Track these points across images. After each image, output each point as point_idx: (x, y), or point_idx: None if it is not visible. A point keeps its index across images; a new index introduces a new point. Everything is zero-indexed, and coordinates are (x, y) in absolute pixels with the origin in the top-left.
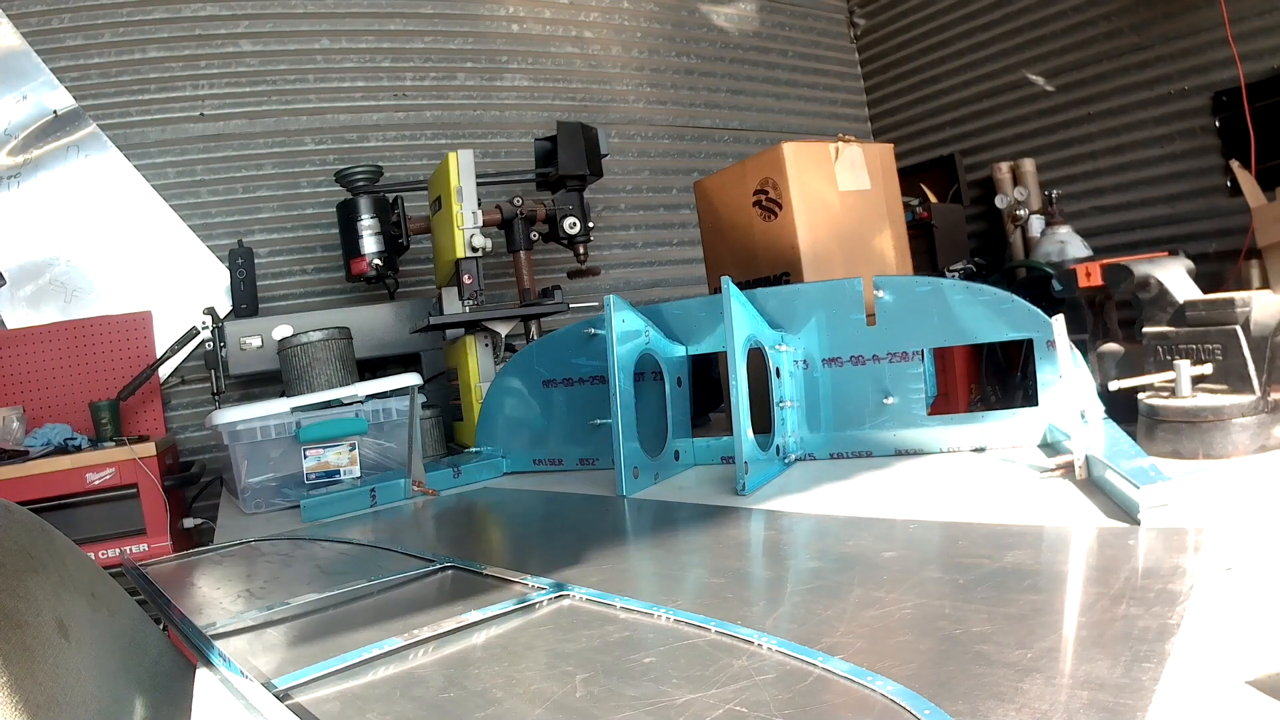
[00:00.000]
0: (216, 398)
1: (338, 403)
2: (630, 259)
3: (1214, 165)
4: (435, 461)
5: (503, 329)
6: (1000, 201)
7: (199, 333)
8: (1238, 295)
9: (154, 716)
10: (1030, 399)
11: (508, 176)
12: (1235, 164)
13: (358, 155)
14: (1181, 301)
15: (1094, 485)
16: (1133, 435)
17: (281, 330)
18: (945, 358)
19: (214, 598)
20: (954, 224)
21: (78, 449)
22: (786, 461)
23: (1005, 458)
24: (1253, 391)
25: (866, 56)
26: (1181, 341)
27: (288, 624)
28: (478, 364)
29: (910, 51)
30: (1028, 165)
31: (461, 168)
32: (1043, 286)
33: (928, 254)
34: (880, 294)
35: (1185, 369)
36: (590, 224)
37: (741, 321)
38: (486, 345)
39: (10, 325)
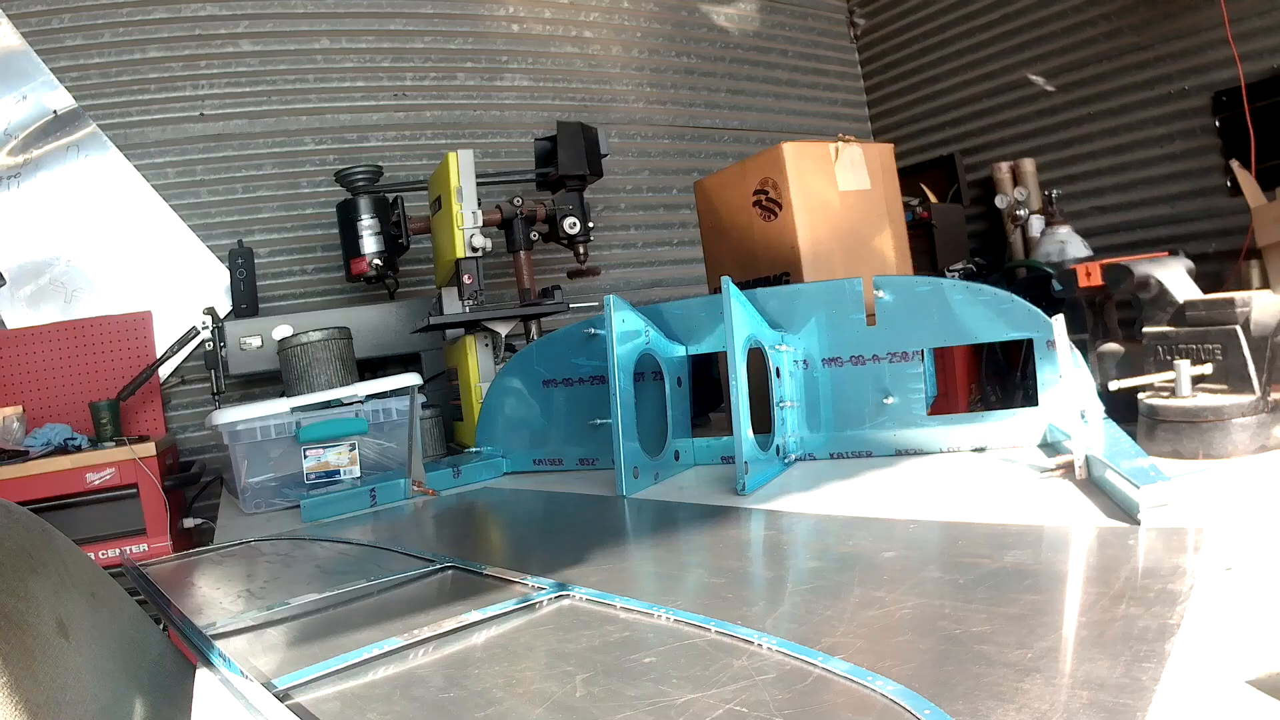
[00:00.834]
0: (216, 398)
1: (338, 403)
2: (630, 259)
3: (1214, 165)
4: (435, 461)
5: (503, 329)
6: (1000, 201)
7: (199, 333)
8: (1238, 295)
9: (154, 716)
10: (1030, 399)
11: (508, 176)
12: (1235, 164)
13: (358, 155)
14: (1181, 301)
15: (1094, 485)
16: (1133, 435)
17: (281, 330)
18: (945, 358)
19: (214, 598)
20: (954, 224)
21: (78, 449)
22: (786, 461)
23: (1005, 458)
24: (1253, 391)
25: (866, 56)
26: (1181, 341)
27: (287, 624)
28: (478, 364)
29: (910, 51)
30: (1028, 165)
31: (461, 168)
32: (1043, 286)
33: (928, 254)
34: (880, 294)
35: (1185, 369)
36: (590, 224)
37: (741, 321)
38: (486, 345)
39: (10, 325)
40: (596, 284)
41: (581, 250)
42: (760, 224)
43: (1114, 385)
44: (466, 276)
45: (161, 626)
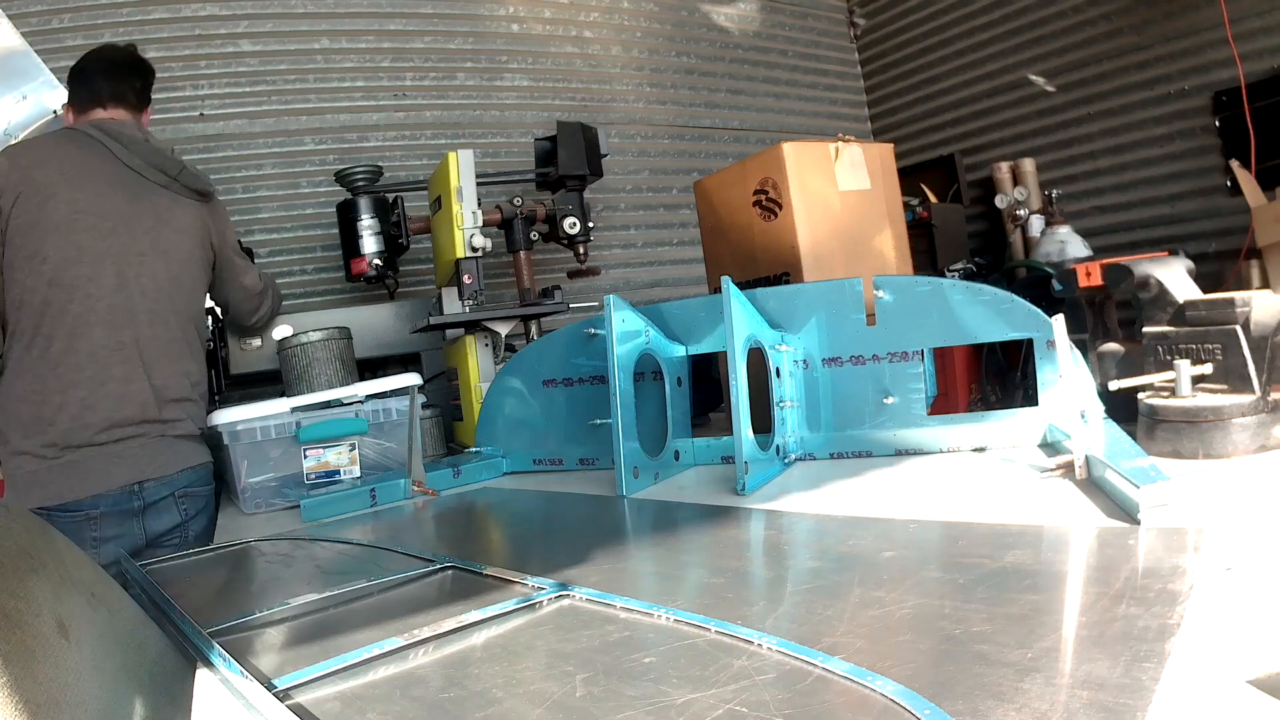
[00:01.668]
0: (216, 398)
1: (338, 403)
2: (630, 259)
3: (1214, 165)
4: (435, 461)
5: (503, 329)
6: (1000, 201)
7: None
8: (1238, 295)
9: (154, 716)
10: (1030, 399)
11: (508, 176)
12: (1235, 164)
13: (358, 155)
14: (1181, 301)
15: (1094, 485)
16: (1133, 435)
17: (281, 330)
18: (945, 358)
19: (214, 598)
20: (954, 224)
21: None
22: (786, 461)
23: (1005, 458)
24: (1253, 391)
25: (866, 56)
26: (1181, 341)
27: (287, 624)
28: (478, 364)
29: (910, 51)
30: (1028, 165)
31: (461, 168)
32: (1043, 286)
33: (928, 254)
34: (880, 294)
35: (1185, 369)
36: (590, 224)
37: (741, 321)
38: (486, 345)
39: None
40: (596, 284)
41: (581, 250)
42: (760, 224)
43: (1114, 385)
44: (466, 276)
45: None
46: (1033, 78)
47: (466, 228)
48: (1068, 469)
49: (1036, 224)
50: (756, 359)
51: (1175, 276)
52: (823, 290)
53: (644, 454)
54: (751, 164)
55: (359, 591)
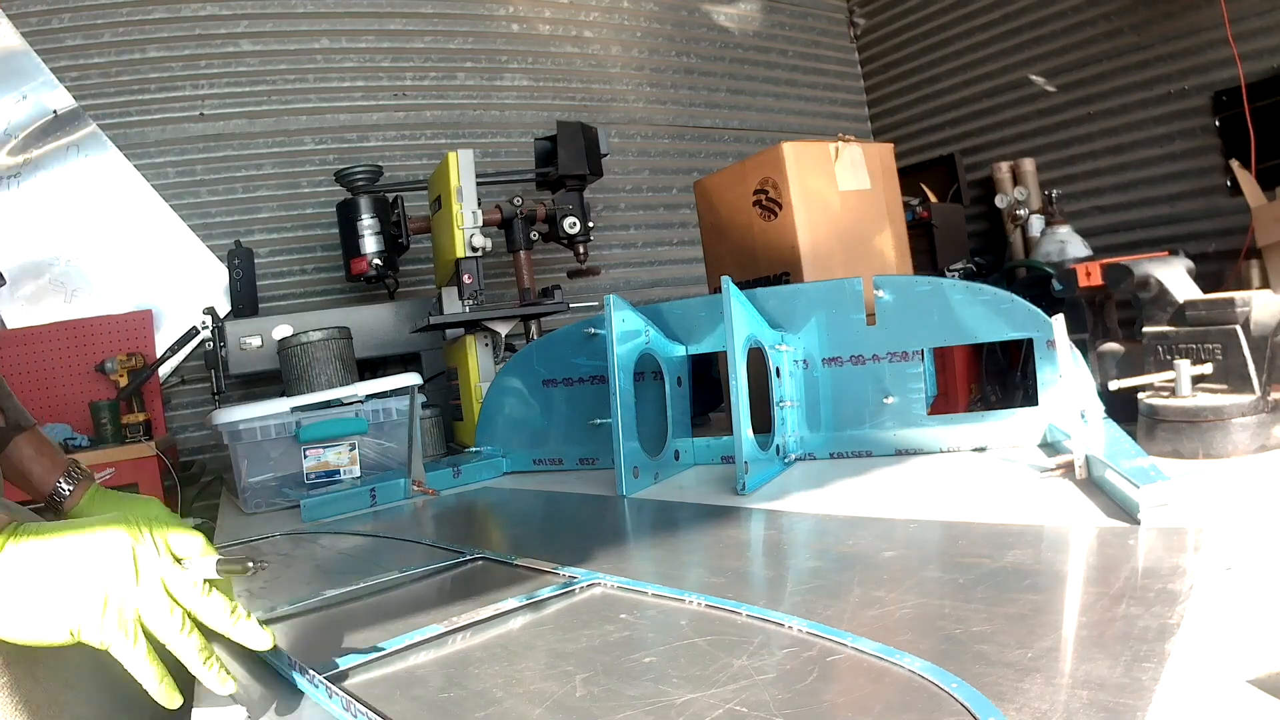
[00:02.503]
0: (216, 397)
1: (338, 402)
2: (630, 259)
3: (1214, 165)
4: (435, 461)
5: (503, 329)
6: (1000, 201)
7: (199, 332)
8: (1238, 295)
9: (154, 717)
10: (1030, 399)
11: (508, 176)
12: (1235, 164)
13: (358, 155)
14: (1181, 301)
15: (1094, 485)
16: (1133, 435)
17: (281, 330)
18: (945, 357)
19: (243, 590)
20: (954, 224)
21: (78, 448)
22: (786, 461)
23: (1005, 457)
24: (1253, 391)
25: (866, 56)
26: (1181, 341)
27: (324, 613)
28: (478, 364)
29: (910, 51)
30: (1028, 165)
31: (461, 167)
32: (1043, 286)
33: (928, 254)
34: (880, 293)
35: (1185, 369)
36: (590, 224)
37: (741, 321)
38: (486, 345)
39: (10, 325)
40: (596, 284)
41: (581, 250)
42: (760, 224)
43: (1114, 385)
44: (466, 276)
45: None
46: (1033, 78)
47: (466, 227)
48: (1068, 469)
49: (1036, 224)
50: (756, 359)
51: (1175, 276)
52: (823, 290)
53: (644, 454)
54: (751, 164)
55: (393, 582)
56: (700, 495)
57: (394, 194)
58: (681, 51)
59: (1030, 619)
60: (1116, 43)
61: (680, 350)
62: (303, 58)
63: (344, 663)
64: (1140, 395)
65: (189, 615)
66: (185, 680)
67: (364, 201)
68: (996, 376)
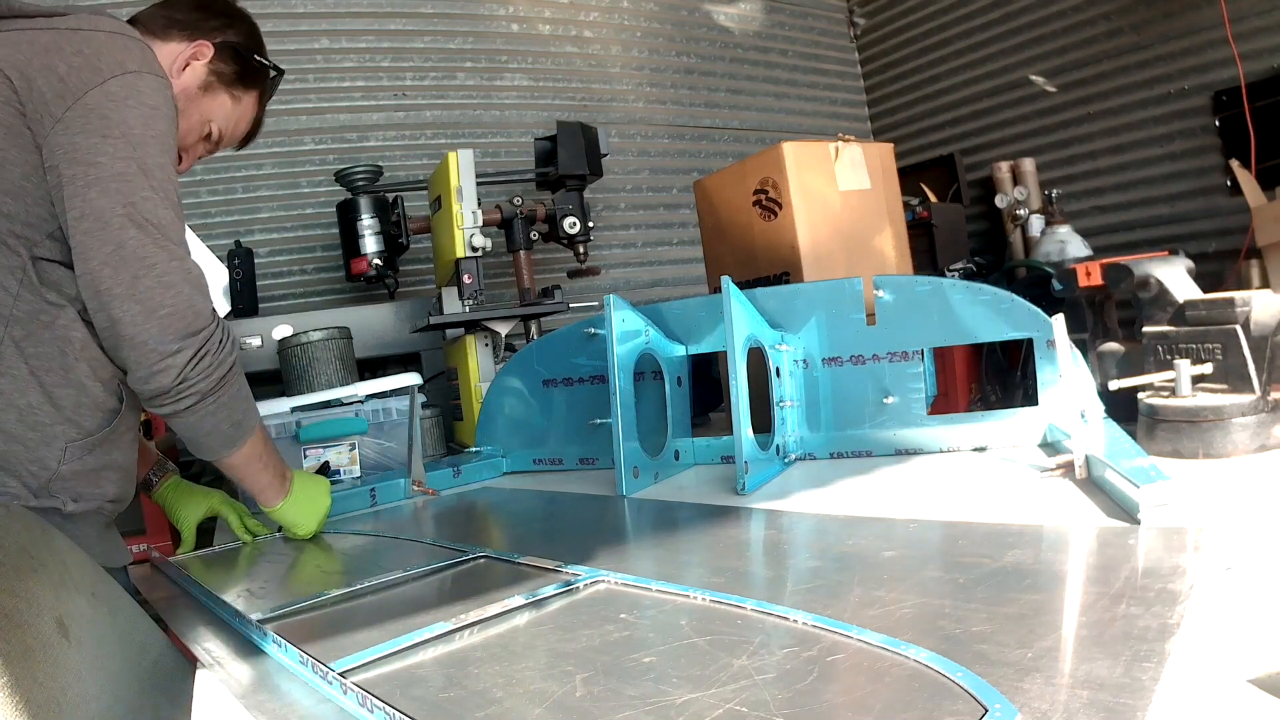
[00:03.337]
0: None
1: (338, 402)
2: (630, 259)
3: (1214, 165)
4: (435, 461)
5: (503, 329)
6: (1000, 201)
7: None
8: (1238, 295)
9: (154, 716)
10: (1030, 398)
11: (508, 176)
12: (1235, 164)
13: (358, 155)
14: (1181, 301)
15: (1094, 485)
16: (1133, 435)
17: (281, 330)
18: (945, 357)
19: (255, 589)
20: (954, 223)
21: None
22: (786, 461)
23: (1005, 457)
24: (1253, 391)
25: (866, 56)
26: (1181, 341)
27: (331, 611)
28: (478, 364)
29: (910, 51)
30: (1028, 165)
31: (461, 167)
32: (1043, 286)
33: (928, 253)
34: (880, 293)
35: (1185, 369)
36: (590, 224)
37: (741, 321)
38: (486, 345)
39: None
40: (596, 284)
41: (581, 250)
42: (760, 224)
43: (1114, 385)
44: (466, 276)
45: (162, 625)
46: (1033, 78)
47: (466, 227)
48: (1068, 469)
49: (1036, 224)
50: (756, 359)
51: (1175, 276)
52: (823, 290)
53: (644, 454)
54: (751, 164)
55: (397, 580)
56: (700, 495)
57: (394, 194)
58: (681, 51)
59: (1030, 619)
60: (1116, 43)
61: (680, 350)
62: (303, 58)
63: (347, 661)
64: (1140, 395)
65: None
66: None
67: (364, 201)
68: (996, 376)
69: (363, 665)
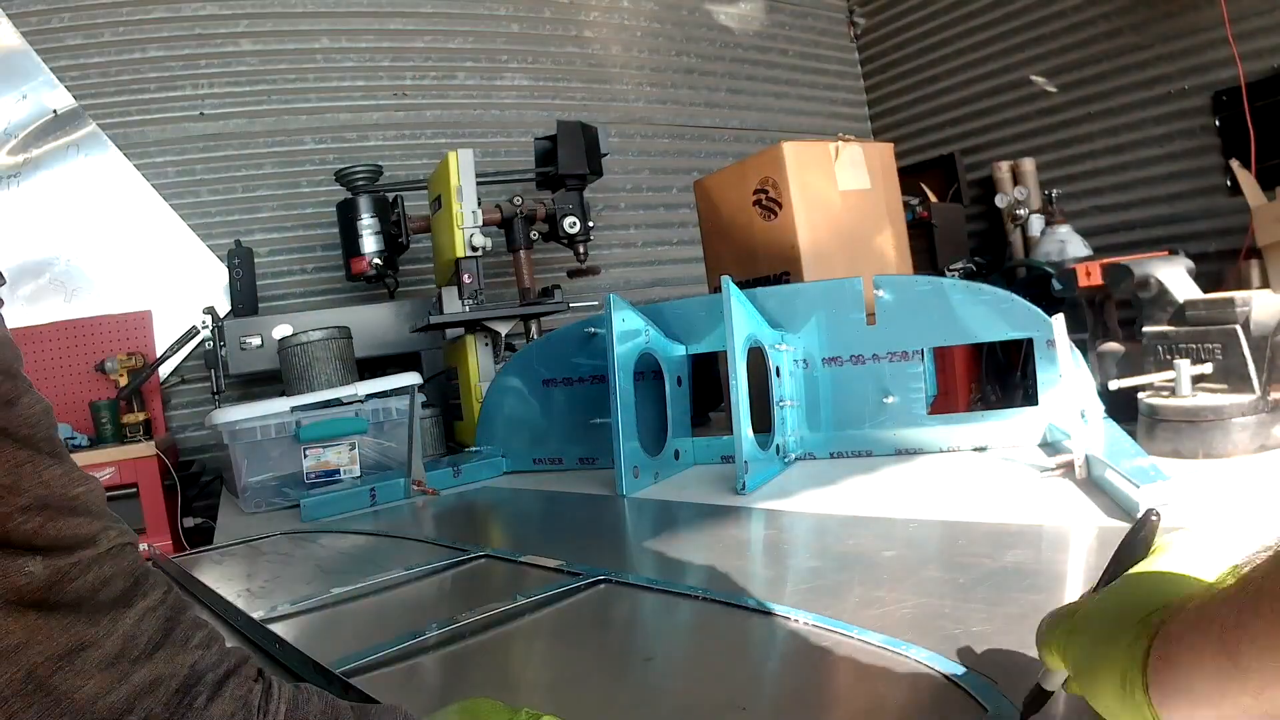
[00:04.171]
0: (216, 397)
1: (338, 402)
2: (630, 258)
3: (1214, 165)
4: (435, 460)
5: (503, 328)
6: (1000, 201)
7: (199, 332)
8: (1238, 295)
9: None
10: (1030, 398)
11: (508, 176)
12: (1235, 164)
13: (358, 155)
14: (1181, 301)
15: (1094, 484)
16: (1133, 435)
17: (281, 330)
18: (945, 357)
19: (255, 589)
20: (954, 223)
21: (78, 448)
22: (786, 461)
23: (1005, 457)
24: (1253, 391)
25: (866, 56)
26: (1181, 341)
27: (330, 610)
28: (478, 363)
29: (910, 51)
30: (1028, 165)
31: (461, 167)
32: (1043, 286)
33: (928, 253)
34: (880, 293)
35: (1185, 368)
36: (590, 223)
37: (741, 321)
38: (486, 345)
39: (10, 325)
40: (596, 283)
41: (581, 250)
42: (760, 223)
43: (1114, 385)
44: (466, 276)
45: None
46: (1034, 78)
47: (466, 227)
48: (1068, 469)
49: (1036, 224)
50: (756, 358)
51: (1175, 276)
52: (823, 290)
53: (644, 453)
54: (751, 164)
55: (398, 579)
56: (700, 495)
57: (394, 194)
58: (681, 51)
59: (1030, 619)
60: (1116, 43)
61: (680, 350)
62: (303, 58)
63: (347, 661)
64: (1140, 395)
65: None
66: None
67: (364, 201)
68: (996, 376)
69: (363, 665)
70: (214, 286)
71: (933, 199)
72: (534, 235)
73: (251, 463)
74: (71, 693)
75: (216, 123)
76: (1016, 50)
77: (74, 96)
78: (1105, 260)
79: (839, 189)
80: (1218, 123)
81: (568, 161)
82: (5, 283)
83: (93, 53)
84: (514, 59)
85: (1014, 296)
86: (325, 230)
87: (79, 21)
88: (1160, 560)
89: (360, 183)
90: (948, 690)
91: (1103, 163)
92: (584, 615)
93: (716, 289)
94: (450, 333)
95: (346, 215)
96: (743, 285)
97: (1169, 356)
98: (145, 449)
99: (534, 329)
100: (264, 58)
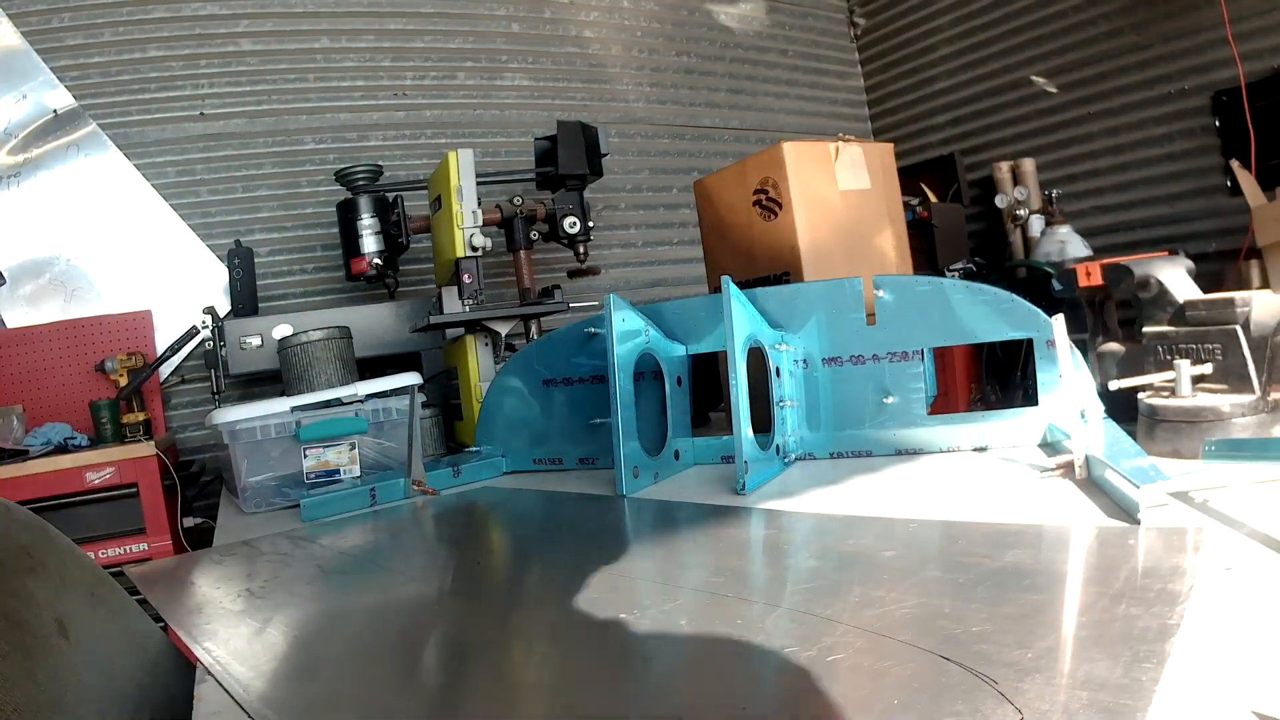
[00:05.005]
0: (216, 397)
1: (338, 402)
2: (630, 258)
3: (1214, 165)
4: (435, 461)
5: (503, 328)
6: (1000, 201)
7: (199, 332)
8: (1238, 295)
9: (154, 716)
10: (1030, 398)
11: (508, 176)
12: (1235, 164)
13: (358, 155)
14: (1181, 301)
15: (1094, 485)
16: (1133, 435)
17: (281, 329)
18: (945, 357)
19: (255, 587)
20: (954, 223)
21: (78, 448)
22: (786, 461)
23: (1005, 457)
24: (1253, 391)
25: (866, 56)
26: (1181, 341)
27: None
28: (478, 363)
29: (910, 51)
30: (1028, 165)
31: (461, 167)
32: (1043, 286)
33: (928, 253)
34: (880, 293)
35: (1185, 369)
36: (590, 223)
37: (741, 321)
38: (486, 345)
39: (10, 324)
40: (596, 283)
41: (581, 250)
42: (760, 223)
43: (1114, 385)
44: (466, 276)
45: (162, 625)
46: (1034, 78)
47: (466, 227)
48: (1068, 469)
49: (1036, 224)
50: (756, 358)
51: (1175, 276)
52: (823, 290)
53: (644, 453)
54: (751, 164)
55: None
56: (700, 495)
57: (394, 194)
58: (681, 51)
59: (1030, 619)
60: (1116, 43)
61: (680, 350)
62: (303, 58)
63: None
64: (1140, 395)
65: None
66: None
67: (364, 201)
68: (996, 376)
69: None
70: (214, 286)
71: (933, 199)
72: (534, 235)
73: (251, 463)
74: None
75: (216, 123)
76: (1016, 50)
77: (74, 96)
78: (1105, 260)
79: (839, 189)
80: (1218, 123)
81: (568, 162)
82: (5, 283)
83: (93, 53)
84: (514, 59)
85: (1014, 297)
86: (325, 230)
87: (79, 21)
88: None
89: (360, 183)
90: (948, 690)
91: (1103, 163)
92: (583, 615)
93: (716, 289)
94: (450, 333)
95: (346, 215)
96: (743, 285)
97: (1169, 357)
98: (145, 449)
99: (534, 329)
100: (264, 58)
